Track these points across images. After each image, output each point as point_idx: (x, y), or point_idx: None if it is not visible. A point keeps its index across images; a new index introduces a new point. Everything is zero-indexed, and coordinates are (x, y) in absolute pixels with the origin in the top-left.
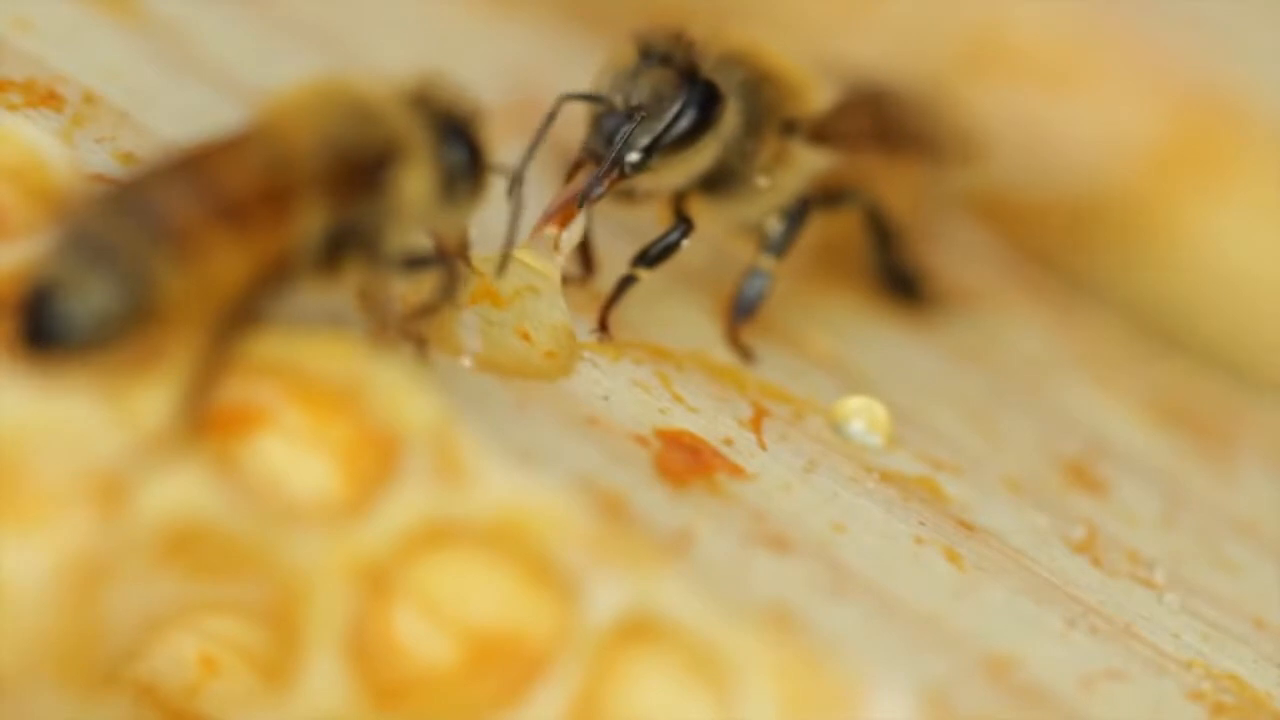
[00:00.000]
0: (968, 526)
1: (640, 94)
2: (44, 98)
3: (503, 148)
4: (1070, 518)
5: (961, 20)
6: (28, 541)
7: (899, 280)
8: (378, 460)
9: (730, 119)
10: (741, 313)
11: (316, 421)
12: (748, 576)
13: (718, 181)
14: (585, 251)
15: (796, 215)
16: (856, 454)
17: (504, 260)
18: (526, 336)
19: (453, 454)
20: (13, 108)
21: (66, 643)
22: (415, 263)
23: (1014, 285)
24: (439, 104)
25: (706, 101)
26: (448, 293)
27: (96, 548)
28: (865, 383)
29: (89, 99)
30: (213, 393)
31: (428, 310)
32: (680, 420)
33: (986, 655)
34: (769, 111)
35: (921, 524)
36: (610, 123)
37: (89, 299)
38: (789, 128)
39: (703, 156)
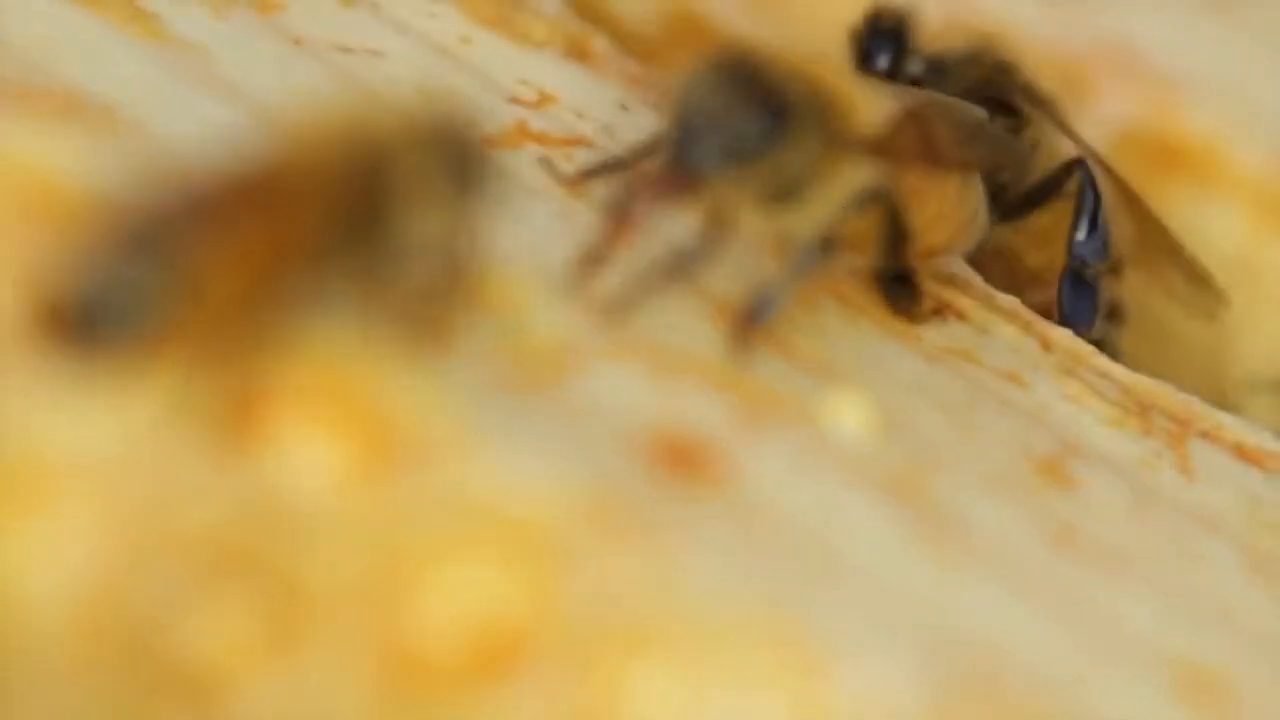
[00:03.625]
0: (950, 522)
1: (713, 109)
2: (65, 113)
3: (506, 159)
4: (1046, 514)
5: (956, 21)
6: (43, 543)
7: (899, 284)
8: (379, 457)
9: (793, 134)
10: (751, 321)
11: (318, 421)
12: (743, 574)
13: (772, 193)
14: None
15: (828, 242)
16: (842, 452)
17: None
18: (527, 337)
19: (453, 452)
20: (33, 123)
21: (90, 640)
22: (420, 266)
23: (993, 286)
24: (445, 127)
25: (776, 118)
26: (450, 295)
27: (116, 548)
28: (850, 382)
29: (108, 115)
30: (222, 399)
31: (431, 311)
32: (676, 420)
33: (972, 649)
34: (827, 127)
35: (906, 520)
36: (681, 136)
37: (101, 321)
38: (843, 143)
39: (765, 171)
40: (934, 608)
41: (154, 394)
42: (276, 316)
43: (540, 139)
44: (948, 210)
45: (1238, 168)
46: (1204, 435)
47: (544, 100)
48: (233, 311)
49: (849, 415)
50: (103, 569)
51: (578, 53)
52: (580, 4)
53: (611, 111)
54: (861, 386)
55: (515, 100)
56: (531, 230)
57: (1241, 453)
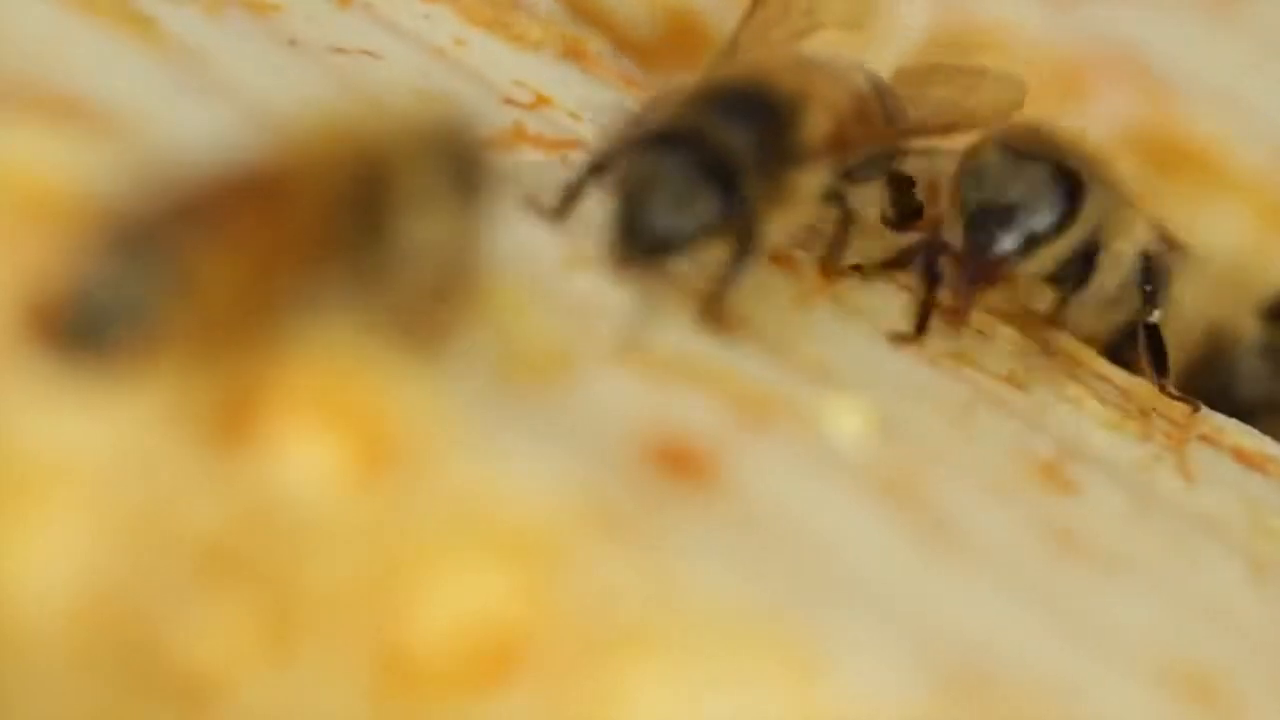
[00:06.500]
0: (949, 526)
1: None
2: (60, 115)
3: (502, 160)
4: (1045, 517)
5: (950, 23)
6: (39, 545)
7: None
8: (376, 460)
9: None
10: (717, 300)
11: (315, 424)
12: (740, 576)
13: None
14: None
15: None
16: (841, 455)
17: None
18: (525, 340)
19: (450, 456)
20: (29, 125)
21: (85, 643)
22: (418, 268)
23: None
24: (444, 129)
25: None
26: (448, 298)
27: (111, 551)
28: (849, 385)
29: (104, 117)
30: (219, 402)
31: (428, 314)
32: (673, 423)
33: (970, 652)
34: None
35: (904, 523)
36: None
37: (97, 323)
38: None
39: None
40: (932, 610)
41: (150, 396)
42: (273, 319)
43: (536, 140)
44: None
45: (1239, 170)
46: (1204, 439)
47: (540, 102)
48: (229, 314)
49: (847, 418)
50: (98, 571)
51: (573, 54)
52: (575, 5)
53: (607, 113)
54: (860, 389)
55: (511, 102)
56: (528, 232)
57: (1241, 457)
